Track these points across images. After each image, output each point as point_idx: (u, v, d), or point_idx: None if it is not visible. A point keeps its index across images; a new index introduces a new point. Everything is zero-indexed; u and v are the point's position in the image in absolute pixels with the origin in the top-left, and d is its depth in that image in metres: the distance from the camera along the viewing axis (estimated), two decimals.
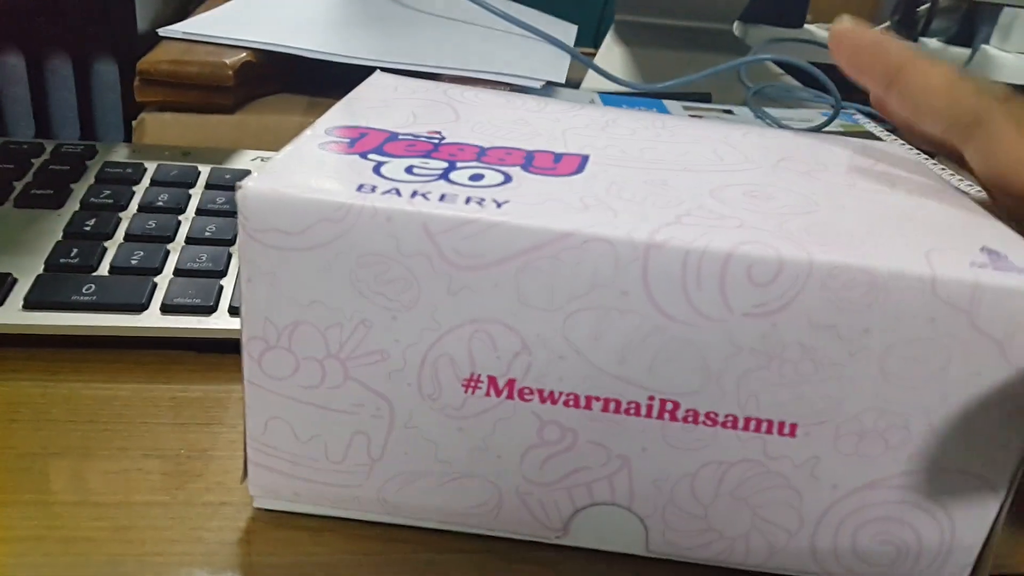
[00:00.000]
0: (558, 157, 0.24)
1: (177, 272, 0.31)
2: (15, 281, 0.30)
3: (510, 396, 0.21)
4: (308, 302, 0.21)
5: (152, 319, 0.29)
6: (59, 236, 0.33)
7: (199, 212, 0.35)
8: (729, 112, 0.54)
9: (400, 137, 0.24)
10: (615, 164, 0.23)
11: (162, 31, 0.44)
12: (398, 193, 0.20)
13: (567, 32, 0.59)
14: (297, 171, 0.21)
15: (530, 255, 0.20)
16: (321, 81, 0.45)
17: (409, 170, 0.22)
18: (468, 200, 0.20)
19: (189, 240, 0.33)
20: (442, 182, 0.21)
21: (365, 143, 0.23)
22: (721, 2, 0.66)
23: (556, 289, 0.20)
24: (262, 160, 0.40)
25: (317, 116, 0.43)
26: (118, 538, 0.22)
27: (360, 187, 0.20)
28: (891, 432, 0.21)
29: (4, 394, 0.27)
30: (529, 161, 0.23)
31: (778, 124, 0.53)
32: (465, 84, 0.44)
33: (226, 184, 0.37)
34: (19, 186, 0.35)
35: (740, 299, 0.20)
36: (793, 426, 0.21)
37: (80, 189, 0.35)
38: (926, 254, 0.20)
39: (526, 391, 0.21)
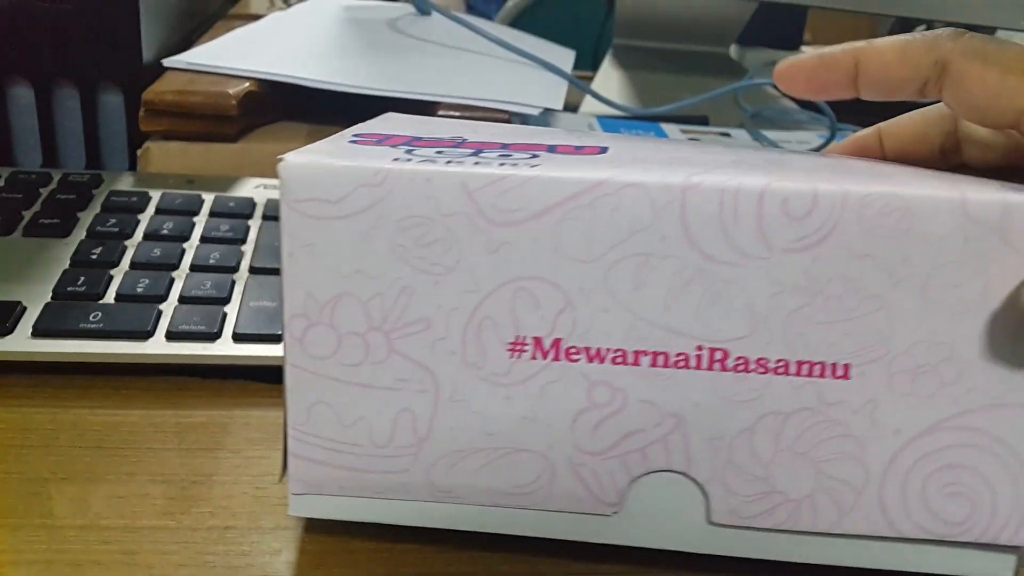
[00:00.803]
0: (579, 147, 0.24)
1: (182, 299, 0.32)
2: (24, 309, 0.31)
3: (556, 357, 0.21)
4: (349, 272, 0.21)
5: (157, 346, 0.30)
6: (66, 265, 0.33)
7: (203, 240, 0.36)
8: (726, 135, 0.54)
9: (424, 139, 0.24)
10: (635, 151, 0.24)
11: (167, 61, 0.45)
12: (433, 161, 0.21)
13: (565, 58, 0.59)
14: (334, 152, 0.21)
15: (566, 206, 0.20)
16: (322, 110, 0.46)
17: (439, 152, 0.22)
18: (501, 164, 0.21)
19: (193, 268, 0.34)
20: (473, 157, 0.22)
21: (392, 141, 0.23)
22: (718, 26, 0.67)
23: (595, 239, 0.20)
24: (265, 187, 0.41)
25: None
26: (125, 561, 0.23)
27: (396, 159, 0.21)
28: (944, 366, 0.21)
29: (13, 420, 0.28)
30: (552, 149, 0.23)
31: (775, 146, 0.53)
32: (463, 112, 0.45)
33: (229, 212, 0.38)
34: (27, 215, 0.36)
35: (779, 234, 0.20)
36: (846, 366, 0.21)
37: (87, 218, 0.36)
38: (953, 183, 0.21)
39: (572, 351, 0.21)
